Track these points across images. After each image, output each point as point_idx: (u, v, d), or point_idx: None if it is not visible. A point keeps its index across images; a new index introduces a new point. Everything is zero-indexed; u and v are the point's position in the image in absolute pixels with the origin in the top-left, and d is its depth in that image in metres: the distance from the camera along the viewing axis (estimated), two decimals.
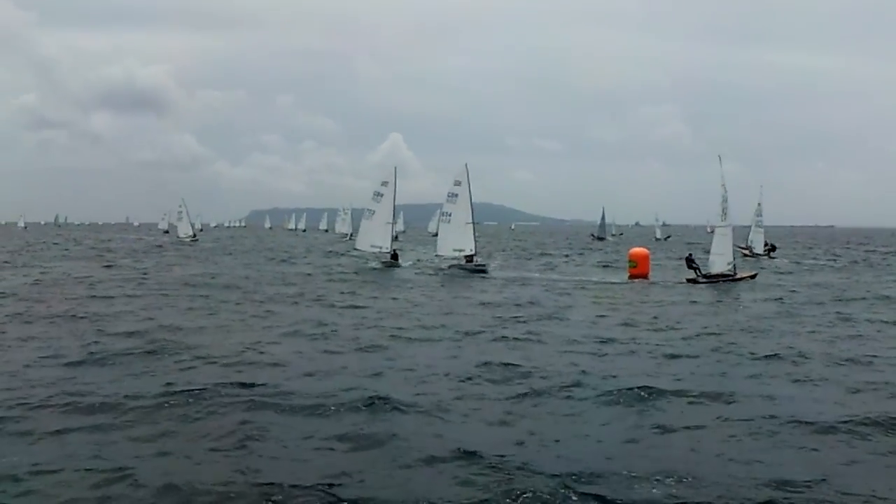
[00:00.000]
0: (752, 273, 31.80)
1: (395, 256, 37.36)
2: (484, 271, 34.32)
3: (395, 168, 38.10)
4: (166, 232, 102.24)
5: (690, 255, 32.60)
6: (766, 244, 51.13)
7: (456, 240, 35.34)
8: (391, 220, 37.11)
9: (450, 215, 35.55)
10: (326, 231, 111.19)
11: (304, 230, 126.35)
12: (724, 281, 29.73)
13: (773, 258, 49.29)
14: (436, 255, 36.78)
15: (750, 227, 51.25)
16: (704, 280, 29.93)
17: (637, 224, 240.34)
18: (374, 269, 36.36)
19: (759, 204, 50.41)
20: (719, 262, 30.47)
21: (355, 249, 39.00)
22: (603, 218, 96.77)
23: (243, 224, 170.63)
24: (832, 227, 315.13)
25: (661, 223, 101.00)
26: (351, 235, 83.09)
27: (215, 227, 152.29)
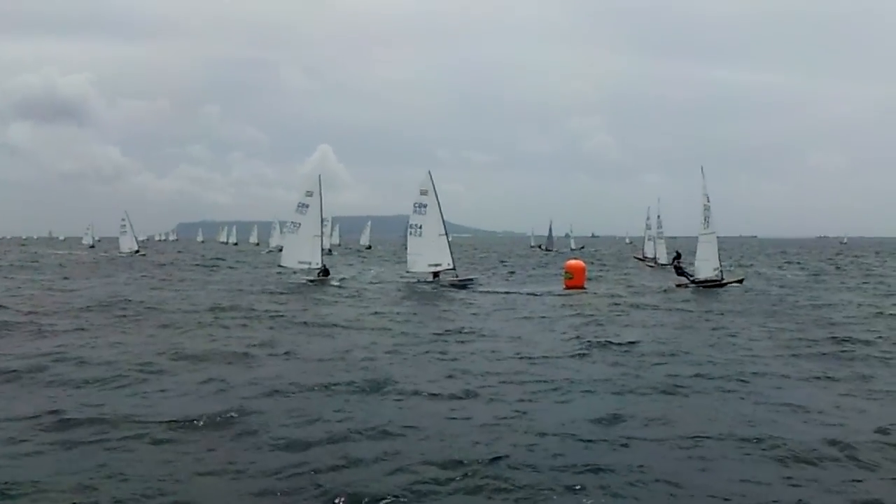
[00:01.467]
0: (739, 278, 33.08)
1: (325, 272, 34.81)
2: (466, 286, 32.26)
3: (320, 176, 35.55)
4: (91, 247, 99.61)
5: (677, 258, 33.89)
6: (676, 253, 53.09)
7: (431, 254, 33.27)
8: (319, 233, 34.76)
9: (420, 227, 33.38)
10: (257, 244, 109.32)
11: (236, 243, 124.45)
12: (712, 286, 30.84)
13: (679, 267, 50.81)
14: (407, 272, 34.33)
15: (654, 237, 54.15)
16: (693, 285, 31.27)
17: (593, 235, 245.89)
18: (309, 284, 33.31)
19: (658, 216, 52.65)
20: (705, 267, 31.63)
21: (279, 266, 35.83)
22: (550, 230, 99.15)
23: (175, 237, 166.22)
24: (755, 237, 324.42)
25: (573, 234, 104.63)
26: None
27: (144, 240, 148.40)
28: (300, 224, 34.50)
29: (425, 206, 33.67)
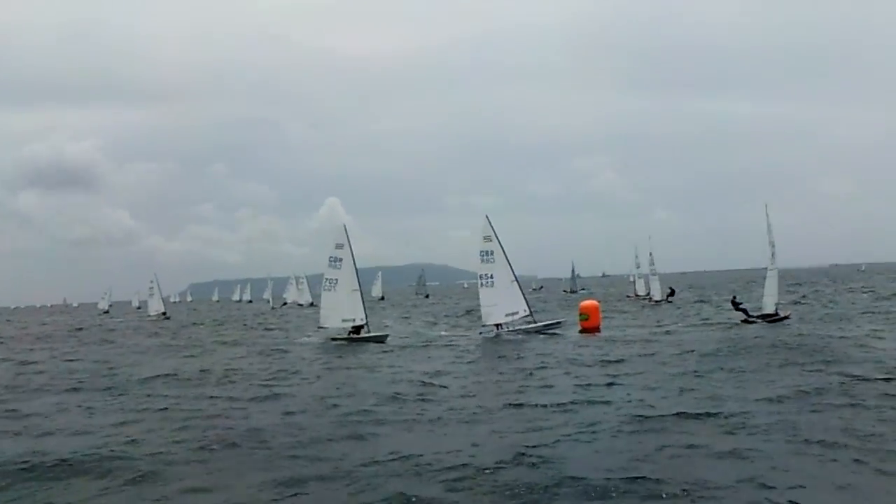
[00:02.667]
0: (788, 314, 33.25)
1: (358, 329, 32.39)
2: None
3: (345, 226, 33.71)
4: (106, 312, 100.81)
5: (735, 297, 35.54)
6: (669, 290, 56.09)
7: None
8: (357, 287, 32.78)
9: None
10: (268, 301, 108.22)
11: (250, 301, 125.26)
12: (775, 320, 31.38)
13: (671, 302, 52.97)
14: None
15: (646, 274, 57.48)
16: (758, 319, 31.69)
17: (604, 275, 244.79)
18: (350, 343, 31.04)
19: (650, 253, 55.60)
20: (770, 302, 32.24)
21: (320, 328, 33.07)
22: (573, 271, 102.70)
23: (190, 298, 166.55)
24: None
25: (575, 274, 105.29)
26: (311, 304, 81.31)
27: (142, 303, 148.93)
28: (336, 280, 32.50)
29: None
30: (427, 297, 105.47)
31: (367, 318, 32.54)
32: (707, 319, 35.98)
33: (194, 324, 57.84)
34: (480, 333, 32.09)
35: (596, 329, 31.45)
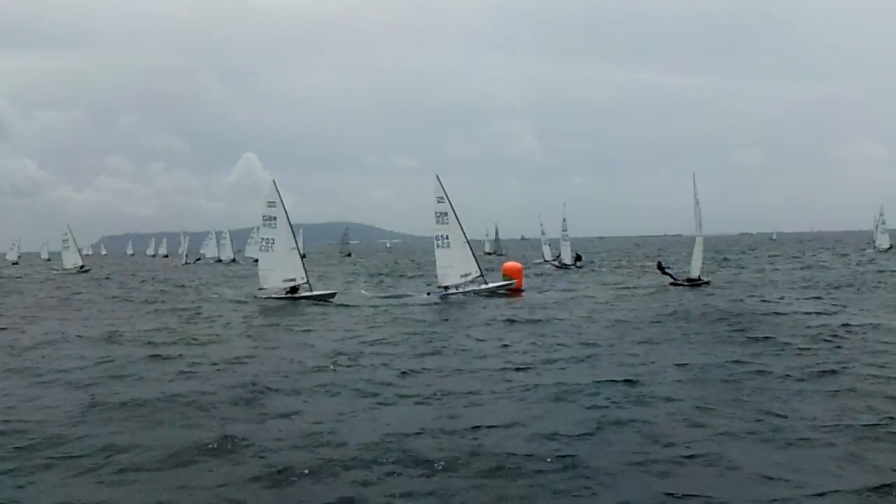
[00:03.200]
0: (709, 279, 34.88)
1: (294, 289, 31.58)
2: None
3: (275, 181, 32.32)
4: (15, 263, 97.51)
5: (660, 262, 38.09)
6: (576, 255, 57.71)
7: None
8: (294, 245, 32.14)
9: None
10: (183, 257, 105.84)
11: (166, 255, 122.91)
12: (698, 284, 33.14)
13: (580, 267, 54.87)
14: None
15: (558, 239, 58.17)
16: (687, 283, 33.39)
17: (522, 238, 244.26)
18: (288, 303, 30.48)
19: (563, 219, 56.38)
20: (696, 267, 33.97)
21: (260, 290, 31.80)
22: (496, 233, 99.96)
23: (104, 251, 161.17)
24: (679, 235, 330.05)
25: (490, 237, 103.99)
26: (220, 260, 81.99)
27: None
28: (273, 239, 31.53)
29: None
30: (349, 255, 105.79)
31: (307, 276, 32.08)
32: (619, 283, 37.88)
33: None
34: (428, 294, 32.12)
35: (519, 290, 32.54)
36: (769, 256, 69.65)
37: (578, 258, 58.15)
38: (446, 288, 31.67)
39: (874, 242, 75.62)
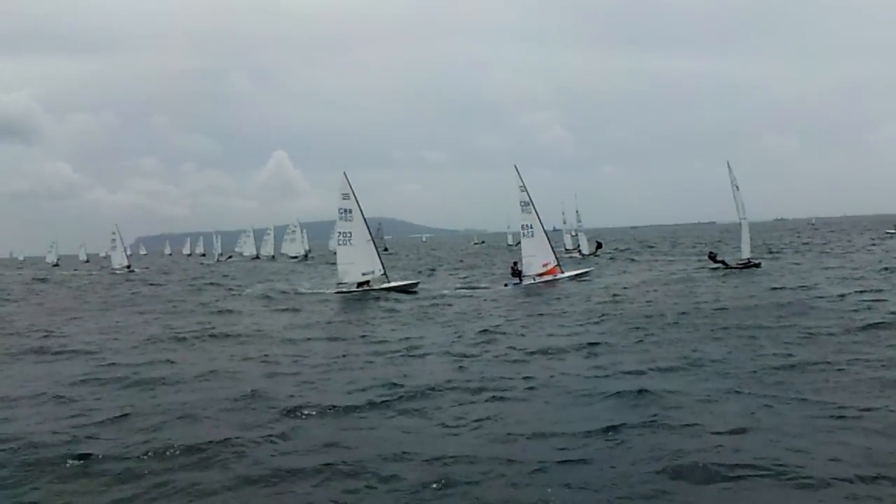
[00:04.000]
0: (759, 261, 35.51)
1: (367, 281, 31.87)
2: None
3: (346, 174, 32.15)
4: (55, 265, 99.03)
5: (711, 252, 39.06)
6: (597, 243, 61.76)
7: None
8: (370, 237, 32.25)
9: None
10: (230, 257, 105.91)
11: (202, 254, 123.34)
12: (750, 266, 34.13)
13: (598, 255, 55.93)
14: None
15: (575, 230, 62.52)
16: (737, 267, 34.44)
17: (554, 229, 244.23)
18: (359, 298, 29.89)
19: (576, 211, 60.88)
20: (745, 250, 35.11)
21: (340, 285, 31.77)
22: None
23: (144, 251, 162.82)
24: (713, 223, 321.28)
25: (511, 230, 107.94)
26: (307, 256, 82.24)
27: (106, 255, 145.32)
28: (350, 233, 31.59)
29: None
30: (385, 250, 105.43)
31: (384, 268, 32.25)
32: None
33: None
34: (506, 285, 31.60)
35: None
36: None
37: (599, 246, 60.70)
38: (521, 280, 31.74)
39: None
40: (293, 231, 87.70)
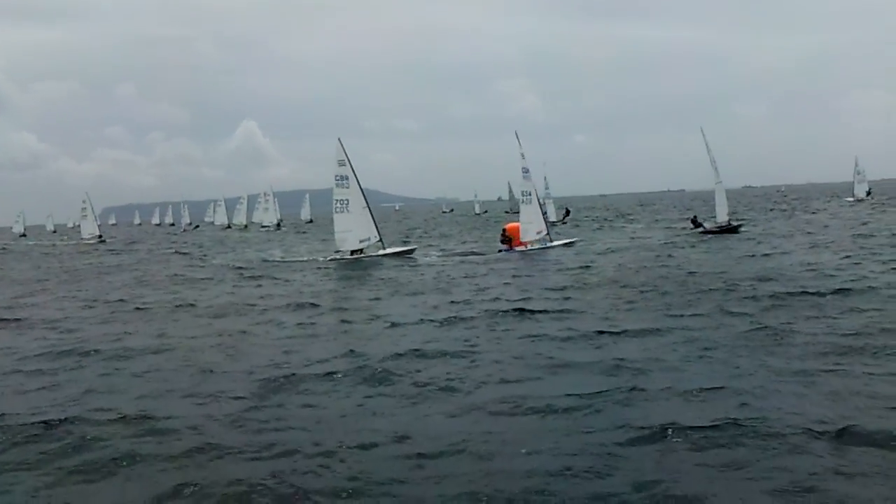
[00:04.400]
0: (740, 223, 36.80)
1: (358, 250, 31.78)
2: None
3: (340, 140, 31.97)
4: (23, 235, 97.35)
5: (695, 216, 39.11)
6: (565, 210, 63.26)
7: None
8: (366, 204, 31.95)
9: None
10: (197, 227, 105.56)
11: (172, 223, 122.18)
12: (730, 230, 34.89)
13: (565, 223, 57.52)
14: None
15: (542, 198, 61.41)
16: (718, 230, 35.02)
17: (500, 199, 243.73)
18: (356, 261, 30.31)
19: (545, 178, 61.68)
20: (721, 212, 35.80)
21: (338, 252, 31.55)
22: (510, 192, 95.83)
23: (113, 221, 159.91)
24: (682, 190, 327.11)
25: (478, 199, 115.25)
26: (279, 225, 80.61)
27: (75, 226, 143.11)
28: (347, 200, 31.37)
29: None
30: None
31: (380, 234, 32.38)
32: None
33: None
34: (500, 252, 31.83)
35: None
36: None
37: (567, 213, 62.31)
38: (510, 247, 32.03)
39: (852, 192, 78.09)
40: (266, 200, 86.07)
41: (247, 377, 10.81)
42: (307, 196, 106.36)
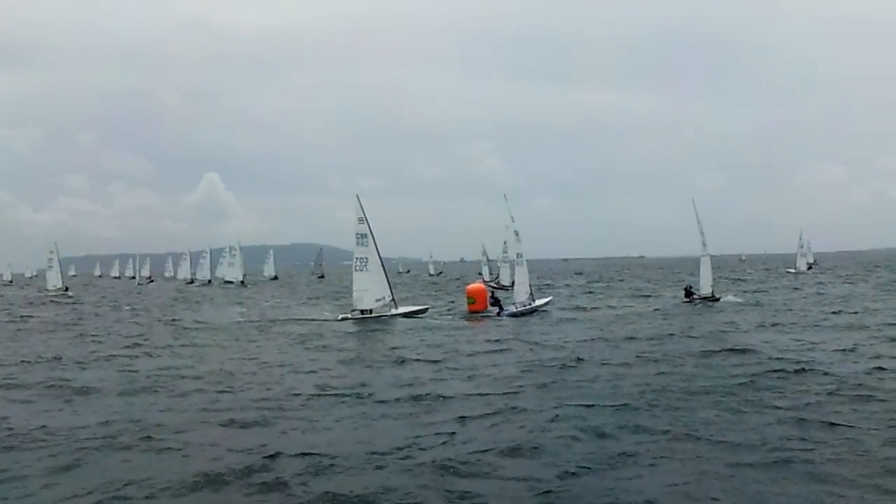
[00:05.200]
0: (719, 296, 36.31)
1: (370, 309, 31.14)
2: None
3: (358, 197, 31.46)
4: None
5: (689, 286, 38.13)
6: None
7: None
8: (381, 262, 31.69)
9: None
10: (151, 280, 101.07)
11: (132, 277, 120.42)
12: (713, 300, 35.35)
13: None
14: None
15: (498, 260, 64.48)
16: (700, 301, 35.45)
17: (462, 260, 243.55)
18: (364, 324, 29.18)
19: (504, 242, 59.77)
20: (706, 285, 36.05)
21: (355, 312, 30.79)
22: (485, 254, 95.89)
23: (73, 273, 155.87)
24: (643, 257, 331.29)
25: (433, 259, 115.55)
26: (243, 281, 77.40)
27: (32, 276, 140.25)
28: (367, 258, 30.85)
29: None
30: (322, 276, 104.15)
31: (392, 293, 31.89)
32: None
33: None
34: (498, 314, 31.14)
35: (482, 310, 32.01)
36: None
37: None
38: (499, 308, 31.64)
39: (795, 265, 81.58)
40: (232, 255, 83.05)
41: None
42: (271, 252, 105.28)
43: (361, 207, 31.22)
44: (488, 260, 78.07)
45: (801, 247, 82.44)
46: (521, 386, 14.65)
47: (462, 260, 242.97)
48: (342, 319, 30.56)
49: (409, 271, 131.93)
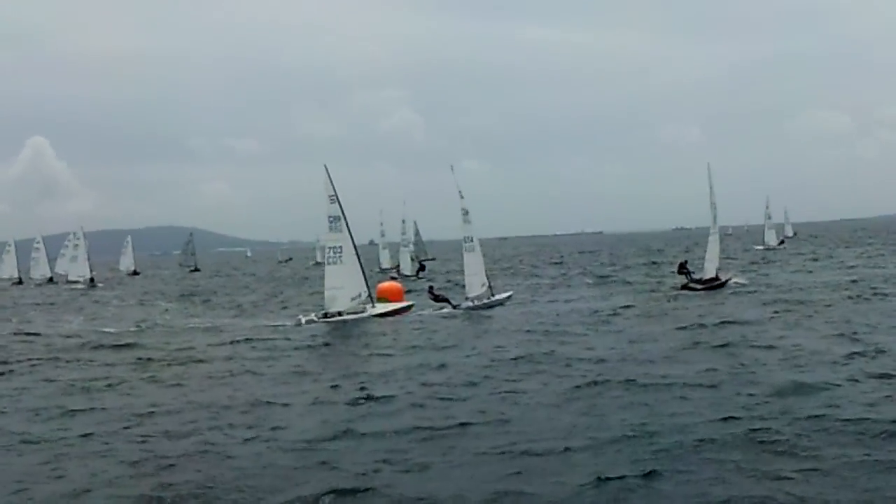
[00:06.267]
0: (728, 277, 33.69)
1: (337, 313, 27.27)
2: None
3: (326, 167, 27.71)
4: None
5: (684, 262, 35.15)
6: (419, 265, 54.56)
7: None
8: (356, 251, 28.39)
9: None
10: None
11: None
12: (717, 286, 32.29)
13: (421, 278, 49.99)
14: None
15: (398, 244, 57.42)
16: (701, 287, 32.09)
17: (371, 242, 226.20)
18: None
19: (403, 221, 57.34)
20: (710, 267, 33.25)
21: (334, 312, 26.73)
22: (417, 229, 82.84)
23: None
24: (601, 232, 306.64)
25: (320, 243, 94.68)
26: (93, 280, 62.93)
27: None
28: (341, 247, 27.55)
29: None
30: (196, 270, 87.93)
31: (369, 289, 28.67)
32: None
33: None
34: (456, 307, 28.79)
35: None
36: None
37: (422, 268, 54.31)
38: (452, 305, 29.00)
39: (763, 239, 75.98)
40: (75, 246, 66.53)
41: None
42: (129, 239, 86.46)
43: (331, 181, 28.03)
44: (387, 244, 63.32)
45: (769, 217, 75.98)
46: None
47: (371, 243, 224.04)
48: (308, 323, 27.12)
49: (290, 259, 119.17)
